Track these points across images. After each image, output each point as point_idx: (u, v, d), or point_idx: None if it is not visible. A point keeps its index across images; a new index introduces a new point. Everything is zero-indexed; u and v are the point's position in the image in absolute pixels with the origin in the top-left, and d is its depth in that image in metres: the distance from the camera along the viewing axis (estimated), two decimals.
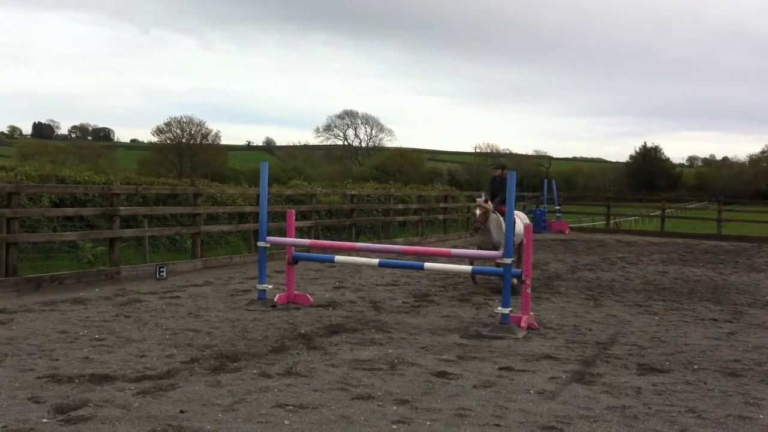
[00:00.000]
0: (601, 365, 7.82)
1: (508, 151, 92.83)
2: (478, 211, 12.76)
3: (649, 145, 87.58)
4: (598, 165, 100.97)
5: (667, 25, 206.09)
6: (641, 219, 43.27)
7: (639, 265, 18.20)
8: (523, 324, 9.44)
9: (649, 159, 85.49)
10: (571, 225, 31.48)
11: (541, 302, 11.84)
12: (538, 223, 27.62)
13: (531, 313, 9.76)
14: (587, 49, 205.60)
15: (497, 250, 11.54)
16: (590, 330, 9.80)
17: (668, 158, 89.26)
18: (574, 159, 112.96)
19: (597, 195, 52.23)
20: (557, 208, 31.03)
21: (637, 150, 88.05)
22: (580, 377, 7.27)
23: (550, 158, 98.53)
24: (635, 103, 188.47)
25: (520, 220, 13.11)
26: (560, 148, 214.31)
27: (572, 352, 8.43)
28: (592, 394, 6.69)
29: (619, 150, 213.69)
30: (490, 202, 12.99)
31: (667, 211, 33.89)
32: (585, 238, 27.20)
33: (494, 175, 14.28)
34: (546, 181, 32.26)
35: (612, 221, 34.91)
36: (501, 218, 12.59)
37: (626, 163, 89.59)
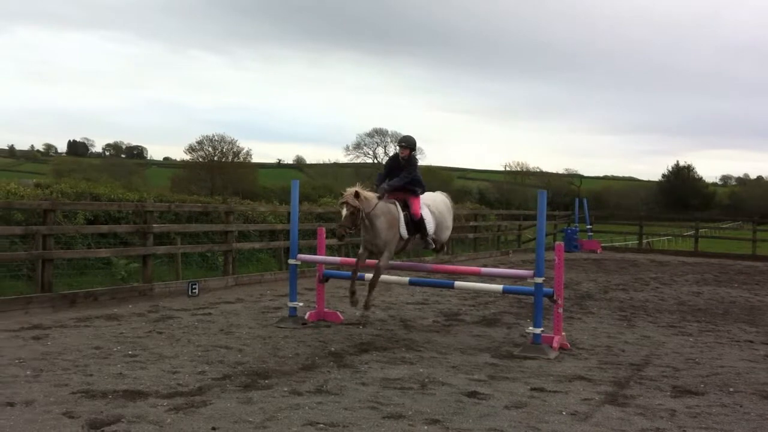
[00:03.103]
0: (634, 387, 7.72)
1: (538, 170, 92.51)
2: (344, 211, 9.56)
3: (681, 163, 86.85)
4: (630, 183, 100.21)
5: (693, 40, 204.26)
6: (674, 238, 42.79)
7: (672, 286, 17.97)
8: (555, 344, 9.36)
9: (681, 178, 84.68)
10: (602, 244, 31.20)
11: (573, 322, 11.73)
12: (569, 242, 27.44)
13: (563, 333, 9.68)
14: (614, 65, 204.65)
15: (381, 252, 9.85)
16: (623, 351, 9.69)
17: (701, 177, 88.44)
18: (605, 177, 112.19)
19: (629, 214, 51.70)
20: (589, 227, 30.77)
21: (670, 169, 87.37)
22: (613, 399, 7.18)
23: (581, 177, 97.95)
24: (664, 121, 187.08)
25: (431, 208, 10.55)
26: (588, 165, 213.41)
27: (605, 373, 8.34)
28: (626, 416, 6.60)
29: (648, 168, 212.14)
30: (366, 195, 9.63)
31: (700, 230, 33.47)
32: (617, 258, 26.94)
33: (398, 155, 10.45)
34: (577, 199, 32.04)
35: (644, 241, 34.54)
36: (396, 208, 10.00)
37: (658, 182, 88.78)
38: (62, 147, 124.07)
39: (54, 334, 9.42)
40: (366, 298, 10.10)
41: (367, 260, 10.33)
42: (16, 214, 13.49)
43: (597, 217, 35.12)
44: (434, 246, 10.86)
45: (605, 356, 9.30)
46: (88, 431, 5.64)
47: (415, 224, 10.12)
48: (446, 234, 10.97)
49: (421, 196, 10.35)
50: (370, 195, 9.72)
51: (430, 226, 10.35)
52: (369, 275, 11.30)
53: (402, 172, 10.14)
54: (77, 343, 8.93)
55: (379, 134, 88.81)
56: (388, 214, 9.79)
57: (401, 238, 10.02)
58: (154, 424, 5.84)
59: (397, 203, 10.01)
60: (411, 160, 10.29)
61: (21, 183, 16.84)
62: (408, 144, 10.35)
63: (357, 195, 9.46)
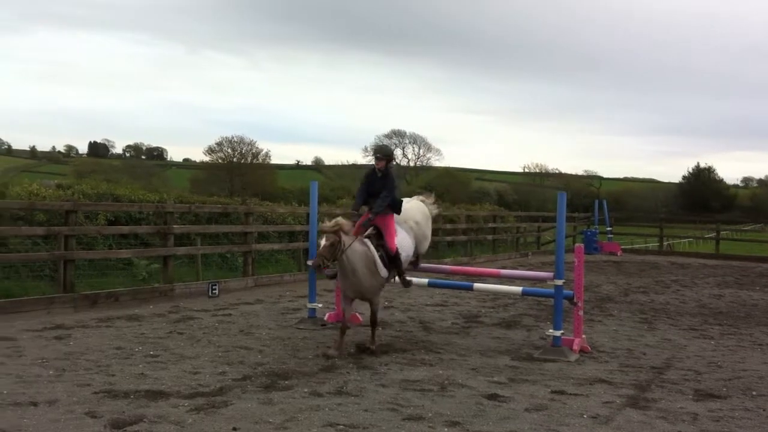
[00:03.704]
0: (656, 390, 7.68)
1: (557, 171, 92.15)
2: (323, 241, 8.62)
3: (702, 165, 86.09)
4: (650, 185, 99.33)
5: (712, 42, 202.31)
6: (695, 241, 42.44)
7: (693, 288, 17.84)
8: (575, 347, 9.32)
9: (702, 179, 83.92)
10: (622, 246, 31.02)
11: (594, 325, 11.67)
12: (589, 244, 27.29)
13: (583, 336, 9.63)
14: (632, 67, 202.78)
15: (371, 299, 9.19)
16: (644, 354, 9.63)
17: (722, 179, 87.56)
18: (625, 179, 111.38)
19: (649, 216, 51.35)
20: (608, 229, 30.61)
21: (690, 170, 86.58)
22: (634, 402, 7.14)
23: (601, 178, 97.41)
24: (684, 122, 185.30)
25: (409, 223, 9.83)
26: (607, 167, 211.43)
27: (626, 376, 8.29)
28: (647, 419, 6.56)
29: (668, 170, 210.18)
30: (347, 229, 8.83)
31: (721, 232, 33.18)
32: (637, 260, 26.78)
33: (374, 168, 9.58)
34: (597, 201, 31.88)
35: (665, 243, 34.32)
36: (370, 249, 9.06)
37: (679, 184, 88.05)
38: (83, 148, 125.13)
39: (76, 334, 9.50)
40: (372, 335, 9.30)
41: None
42: (38, 214, 13.62)
43: (617, 219, 34.94)
44: (409, 283, 9.93)
45: (626, 359, 9.25)
46: (110, 431, 5.68)
47: (391, 259, 9.26)
48: (426, 245, 10.37)
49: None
50: (349, 228, 8.94)
51: (407, 250, 9.59)
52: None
53: (379, 187, 9.32)
54: (99, 343, 9.00)
55: (397, 135, 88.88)
56: (365, 258, 8.95)
57: (383, 278, 9.24)
58: (176, 424, 5.88)
59: (370, 243, 9.09)
60: (388, 174, 9.45)
61: (43, 184, 16.97)
62: (384, 154, 9.61)
63: (338, 227, 8.70)
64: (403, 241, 9.52)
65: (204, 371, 7.70)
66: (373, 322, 9.41)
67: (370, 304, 9.35)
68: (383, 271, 9.14)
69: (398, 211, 9.51)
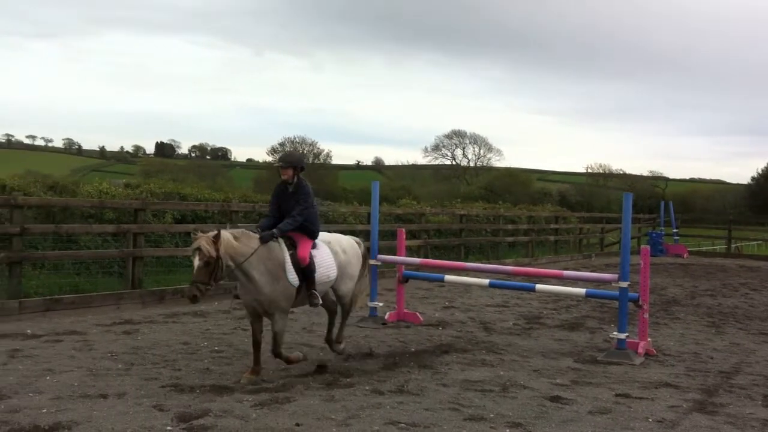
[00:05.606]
0: (724, 395, 7.50)
1: (621, 172, 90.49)
2: (197, 261, 6.88)
3: None
4: (718, 187, 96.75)
5: None
6: (765, 243, 41.21)
7: (763, 292, 17.34)
8: (640, 350, 9.16)
9: None
10: (689, 248, 30.34)
11: (659, 328, 11.44)
12: (654, 246, 26.79)
13: (649, 339, 9.46)
14: (700, 67, 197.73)
15: (270, 312, 7.43)
16: (712, 358, 9.41)
17: None
18: (692, 180, 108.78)
19: (717, 218, 50.08)
20: (675, 230, 29.99)
21: (760, 171, 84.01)
22: (701, 407, 6.99)
23: (666, 179, 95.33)
24: (753, 122, 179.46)
25: (333, 246, 8.24)
26: (674, 169, 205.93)
27: (693, 380, 8.11)
28: (715, 424, 6.42)
29: (735, 171, 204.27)
30: (231, 240, 7.07)
31: None
32: (704, 263, 26.16)
33: (282, 180, 7.94)
34: (663, 202, 31.26)
35: (733, 245, 33.43)
36: (279, 247, 7.54)
37: (747, 185, 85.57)
38: (150, 148, 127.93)
39: (144, 330, 9.74)
40: (280, 355, 7.66)
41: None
42: (108, 213, 14.00)
43: (683, 221, 34.16)
44: (316, 303, 7.94)
45: (693, 363, 9.05)
46: (177, 424, 5.81)
47: (301, 270, 7.61)
48: (348, 286, 8.49)
49: (324, 234, 8.30)
50: (241, 238, 7.25)
51: (327, 270, 7.97)
52: (450, 277, 11.29)
53: (292, 203, 7.79)
54: (166, 338, 9.22)
55: (457, 135, 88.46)
56: (268, 260, 7.36)
57: (291, 285, 7.55)
58: (240, 418, 5.98)
59: (281, 241, 7.61)
60: (300, 188, 7.85)
61: (112, 183, 17.46)
62: (288, 162, 7.86)
63: (216, 239, 6.93)
64: (322, 259, 7.94)
65: (267, 367, 7.80)
66: (275, 351, 7.59)
67: (272, 323, 7.55)
68: (292, 276, 7.51)
69: (313, 237, 7.97)
